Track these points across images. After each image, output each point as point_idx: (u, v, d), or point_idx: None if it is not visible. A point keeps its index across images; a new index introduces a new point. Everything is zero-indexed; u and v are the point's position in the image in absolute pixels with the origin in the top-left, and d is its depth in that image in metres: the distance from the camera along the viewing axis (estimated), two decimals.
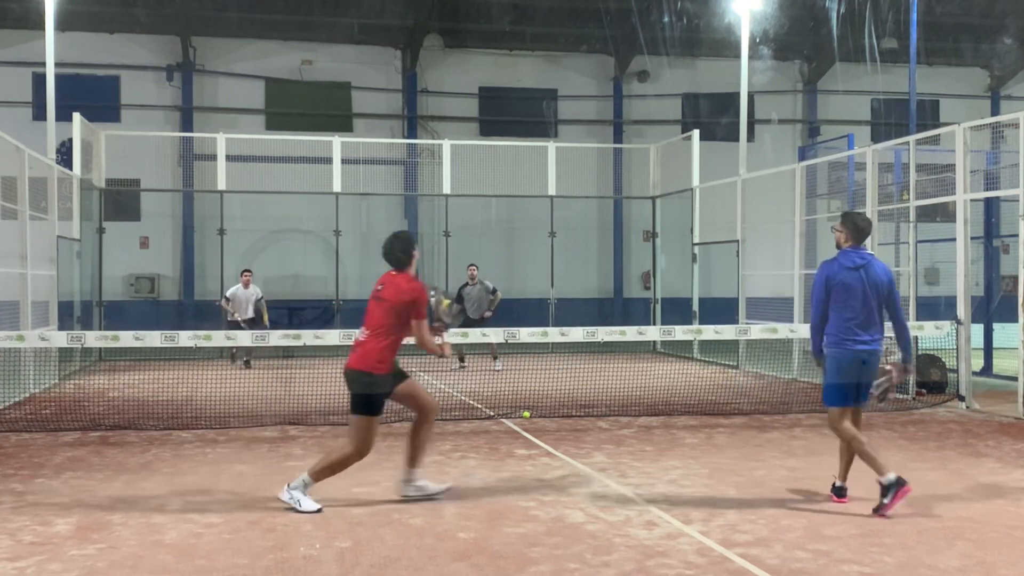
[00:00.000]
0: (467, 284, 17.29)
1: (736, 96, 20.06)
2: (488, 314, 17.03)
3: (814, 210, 17.52)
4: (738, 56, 19.76)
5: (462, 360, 17.34)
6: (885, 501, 6.73)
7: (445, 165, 21.24)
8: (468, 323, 16.38)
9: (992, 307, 16.43)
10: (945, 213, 15.82)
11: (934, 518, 6.73)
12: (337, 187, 20.49)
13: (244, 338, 13.79)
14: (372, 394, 7.00)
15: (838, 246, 7.27)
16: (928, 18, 23.48)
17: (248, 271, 18.44)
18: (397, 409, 11.99)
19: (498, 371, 16.48)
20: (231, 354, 17.96)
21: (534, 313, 21.36)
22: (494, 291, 17.24)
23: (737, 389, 14.61)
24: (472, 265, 17.65)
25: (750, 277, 18.09)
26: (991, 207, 15.97)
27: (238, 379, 12.91)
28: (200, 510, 6.93)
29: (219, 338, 12.17)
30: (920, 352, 13.28)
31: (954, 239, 12.82)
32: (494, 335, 12.64)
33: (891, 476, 6.76)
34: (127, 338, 11.11)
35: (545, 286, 22.06)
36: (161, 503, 7.16)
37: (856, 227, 7.19)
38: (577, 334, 12.99)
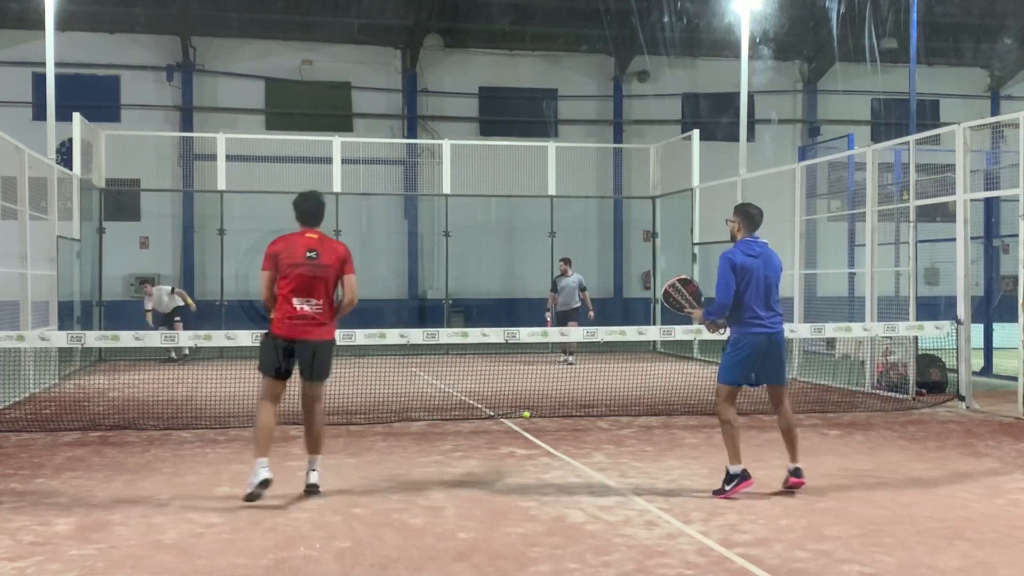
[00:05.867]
0: (561, 275, 18.59)
1: (736, 96, 20.05)
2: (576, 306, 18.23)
3: (814, 210, 17.52)
4: (738, 56, 19.76)
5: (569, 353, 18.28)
6: (727, 488, 7.27)
7: (445, 165, 21.23)
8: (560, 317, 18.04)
9: (992, 307, 16.43)
10: (945, 213, 15.80)
11: (934, 518, 6.73)
12: (337, 187, 20.47)
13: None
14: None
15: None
16: (928, 18, 23.50)
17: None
18: (396, 409, 12.05)
19: (571, 364, 17.41)
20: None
21: (534, 313, 21.34)
22: (583, 287, 18.44)
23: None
24: (564, 259, 18.87)
25: None
26: (991, 207, 15.97)
27: (238, 379, 12.87)
28: (200, 510, 6.92)
29: (219, 338, 12.16)
30: (920, 352, 13.30)
31: (954, 239, 12.82)
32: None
33: (739, 468, 7.30)
34: (127, 338, 11.12)
35: (545, 286, 22.00)
36: (161, 503, 7.16)
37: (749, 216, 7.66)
38: (577, 334, 13.00)
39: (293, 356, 7.23)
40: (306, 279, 7.16)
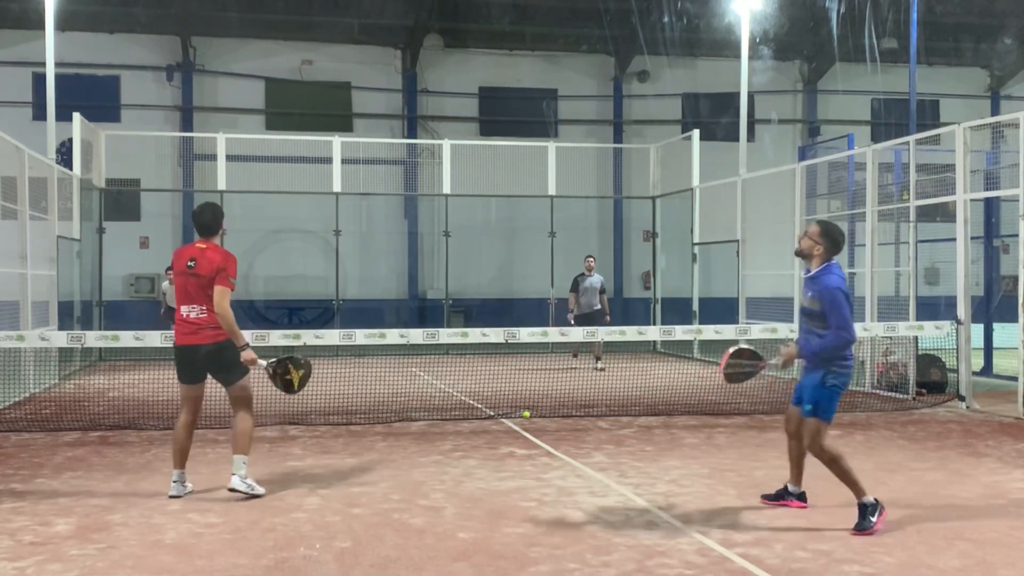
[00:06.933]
0: (583, 274, 17.31)
1: (736, 96, 20.05)
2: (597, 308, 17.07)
3: (814, 210, 17.51)
4: (738, 56, 19.76)
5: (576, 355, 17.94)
6: (873, 519, 6.35)
7: (445, 165, 21.23)
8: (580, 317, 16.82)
9: (992, 307, 16.43)
10: (945, 213, 15.80)
11: (934, 518, 6.73)
12: (337, 187, 20.48)
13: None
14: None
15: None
16: (928, 18, 23.49)
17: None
18: (396, 409, 12.05)
19: (600, 370, 16.49)
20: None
21: (534, 313, 21.36)
22: (603, 289, 17.27)
23: (737, 389, 14.58)
24: (590, 256, 17.76)
25: (750, 277, 18.07)
26: (991, 207, 15.97)
27: None
28: (200, 510, 6.93)
29: None
30: (920, 352, 13.29)
31: (954, 239, 12.82)
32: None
33: (872, 497, 6.45)
34: (127, 338, 11.10)
35: (545, 286, 22.05)
36: (161, 503, 7.16)
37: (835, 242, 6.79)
38: (577, 334, 12.99)
39: (194, 362, 7.51)
40: (187, 286, 7.41)
